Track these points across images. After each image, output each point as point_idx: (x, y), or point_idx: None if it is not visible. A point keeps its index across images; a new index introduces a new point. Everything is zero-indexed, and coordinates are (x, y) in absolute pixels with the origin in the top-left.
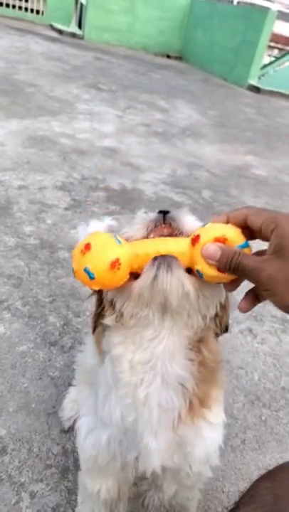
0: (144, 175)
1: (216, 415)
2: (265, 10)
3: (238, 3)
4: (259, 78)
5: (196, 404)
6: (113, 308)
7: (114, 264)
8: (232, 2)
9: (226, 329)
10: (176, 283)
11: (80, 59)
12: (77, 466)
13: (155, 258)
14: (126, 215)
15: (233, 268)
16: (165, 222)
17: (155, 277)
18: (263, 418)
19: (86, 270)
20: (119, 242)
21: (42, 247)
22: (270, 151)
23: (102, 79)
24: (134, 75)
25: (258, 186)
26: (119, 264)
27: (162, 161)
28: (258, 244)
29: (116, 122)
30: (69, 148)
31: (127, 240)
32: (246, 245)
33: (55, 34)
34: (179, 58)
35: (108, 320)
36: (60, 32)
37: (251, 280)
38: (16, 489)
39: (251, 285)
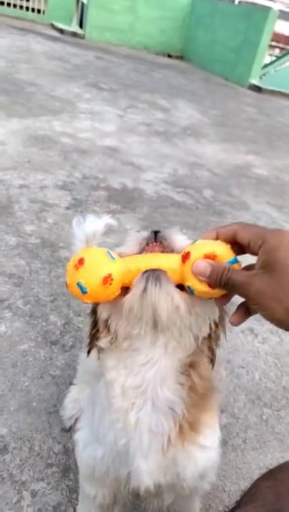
0: (145, 174)
1: (207, 439)
2: (266, 9)
3: (240, 2)
4: (260, 78)
5: (186, 428)
6: (108, 330)
7: (107, 280)
8: (233, 1)
9: (212, 362)
10: (165, 295)
11: (81, 58)
12: (78, 466)
13: (145, 272)
14: (127, 214)
15: (223, 283)
16: (156, 240)
17: (144, 290)
18: (264, 417)
19: (79, 285)
20: (113, 257)
21: (43, 246)
22: (271, 150)
23: (103, 78)
24: (135, 74)
25: (259, 186)
26: (112, 279)
27: (163, 160)
28: (246, 258)
29: (117, 122)
30: (70, 147)
31: (120, 255)
32: (235, 261)
33: (56, 33)
34: (180, 58)
35: (103, 342)
36: (61, 31)
37: (241, 295)
38: (17, 488)
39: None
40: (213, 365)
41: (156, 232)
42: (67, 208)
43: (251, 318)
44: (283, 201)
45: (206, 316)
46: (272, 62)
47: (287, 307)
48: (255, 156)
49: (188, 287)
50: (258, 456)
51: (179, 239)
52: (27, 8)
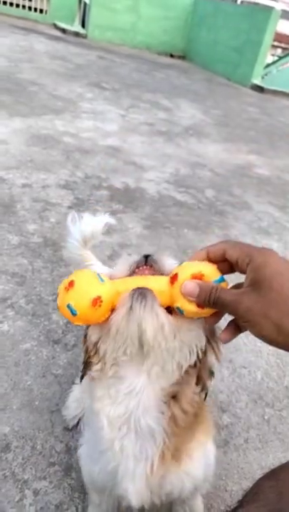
0: (147, 174)
1: (189, 467)
2: (268, 9)
3: (242, 2)
4: (262, 78)
5: (168, 456)
6: (98, 353)
7: (96, 302)
8: (236, 1)
9: (205, 395)
10: (150, 312)
11: (83, 58)
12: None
13: (131, 290)
14: (129, 214)
15: (212, 302)
16: (147, 264)
17: (130, 307)
18: (266, 417)
19: (69, 307)
20: (102, 280)
21: (45, 245)
22: (273, 150)
23: (105, 78)
24: (137, 74)
25: (260, 185)
26: (101, 301)
27: (165, 160)
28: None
29: (119, 121)
30: (72, 147)
31: (110, 278)
32: (222, 280)
33: (58, 33)
34: (183, 57)
35: (94, 371)
36: (64, 31)
37: (230, 313)
38: (19, 486)
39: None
40: (205, 397)
41: (146, 256)
42: (70, 208)
43: None
44: (285, 201)
45: (192, 343)
46: (274, 62)
47: (276, 323)
48: (257, 156)
49: (178, 308)
50: (260, 455)
51: (169, 263)
52: (30, 8)
